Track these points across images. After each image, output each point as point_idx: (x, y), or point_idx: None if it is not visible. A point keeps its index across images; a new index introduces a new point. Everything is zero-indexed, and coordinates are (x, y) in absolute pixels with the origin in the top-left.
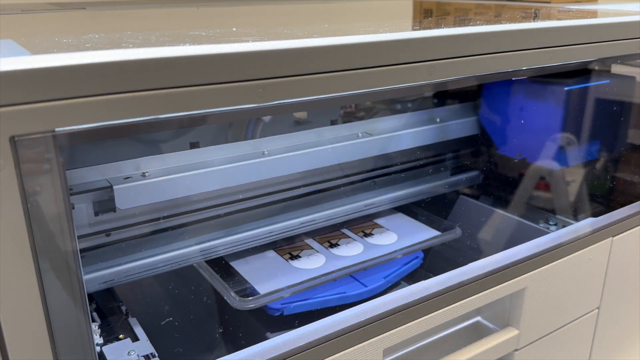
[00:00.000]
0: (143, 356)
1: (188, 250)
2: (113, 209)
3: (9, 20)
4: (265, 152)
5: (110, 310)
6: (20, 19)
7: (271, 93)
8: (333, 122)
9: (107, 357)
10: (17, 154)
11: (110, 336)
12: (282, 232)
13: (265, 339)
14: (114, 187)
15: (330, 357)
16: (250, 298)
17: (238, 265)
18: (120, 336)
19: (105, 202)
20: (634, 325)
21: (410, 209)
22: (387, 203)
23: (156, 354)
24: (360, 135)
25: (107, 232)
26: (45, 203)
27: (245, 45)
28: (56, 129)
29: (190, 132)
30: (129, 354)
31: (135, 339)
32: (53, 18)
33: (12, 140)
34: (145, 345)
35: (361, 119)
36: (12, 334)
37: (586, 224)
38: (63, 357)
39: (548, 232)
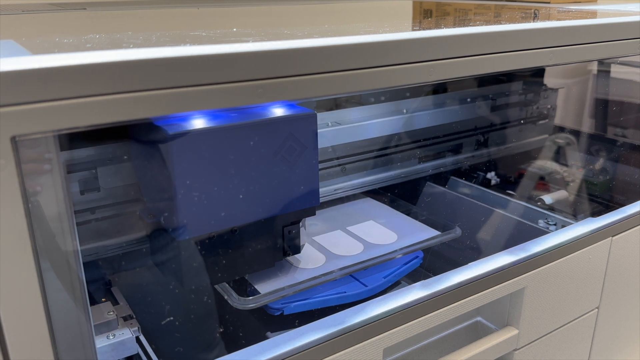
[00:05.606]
0: (122, 317)
1: None
2: (97, 189)
3: (9, 20)
4: None
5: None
6: (21, 19)
7: (271, 93)
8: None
9: None
10: (18, 153)
11: (92, 301)
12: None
13: (266, 338)
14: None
15: (330, 357)
16: (251, 297)
17: None
18: (102, 300)
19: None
20: (634, 325)
21: None
22: None
23: (134, 316)
24: None
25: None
26: (46, 203)
27: (245, 46)
28: (57, 129)
29: None
30: (108, 313)
31: (115, 303)
32: (53, 18)
33: (13, 140)
34: (124, 308)
35: None
36: (12, 333)
37: (585, 224)
38: (64, 357)
39: (548, 232)
